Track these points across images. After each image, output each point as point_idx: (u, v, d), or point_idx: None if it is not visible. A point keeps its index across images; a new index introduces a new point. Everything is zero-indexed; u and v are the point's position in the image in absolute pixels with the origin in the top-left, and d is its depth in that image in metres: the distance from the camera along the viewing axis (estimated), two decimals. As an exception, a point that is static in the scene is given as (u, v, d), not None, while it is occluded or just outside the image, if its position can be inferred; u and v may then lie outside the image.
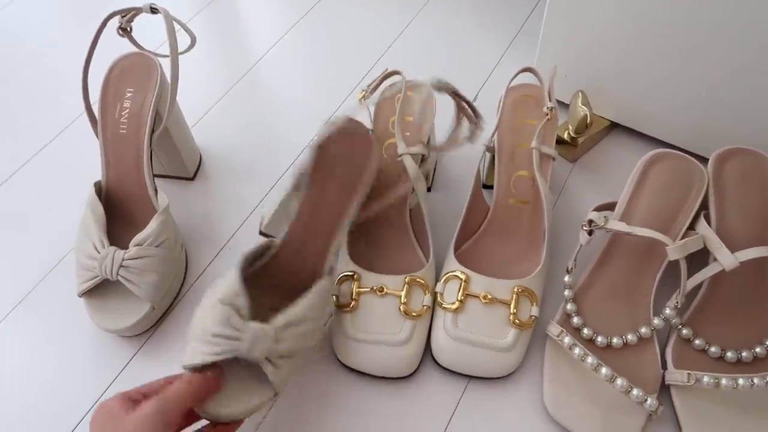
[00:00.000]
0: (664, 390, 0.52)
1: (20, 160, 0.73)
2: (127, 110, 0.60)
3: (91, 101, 0.61)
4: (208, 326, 0.44)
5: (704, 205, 0.56)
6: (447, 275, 0.55)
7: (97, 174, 0.60)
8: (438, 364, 0.54)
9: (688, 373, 0.50)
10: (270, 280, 0.53)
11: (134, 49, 0.63)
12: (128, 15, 0.61)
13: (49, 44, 0.87)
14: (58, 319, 0.59)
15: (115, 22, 0.61)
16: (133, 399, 0.41)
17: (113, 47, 0.61)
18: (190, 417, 0.44)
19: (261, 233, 0.54)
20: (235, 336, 0.43)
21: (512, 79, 0.62)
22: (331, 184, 0.55)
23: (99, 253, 0.54)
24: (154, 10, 0.60)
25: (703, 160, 0.59)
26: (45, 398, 0.54)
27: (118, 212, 0.60)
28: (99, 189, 0.60)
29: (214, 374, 0.43)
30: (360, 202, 0.55)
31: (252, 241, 0.53)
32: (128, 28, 0.62)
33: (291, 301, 0.47)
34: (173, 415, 0.40)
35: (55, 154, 0.73)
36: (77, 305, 0.57)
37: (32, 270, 0.62)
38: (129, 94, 0.61)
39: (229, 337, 0.43)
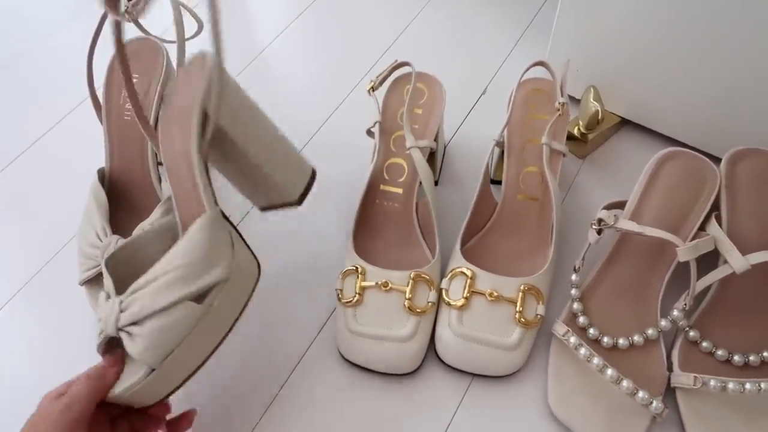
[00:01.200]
0: (669, 392, 0.51)
1: (24, 144, 0.72)
2: (132, 96, 0.59)
3: (96, 86, 0.60)
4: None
5: (716, 206, 0.55)
6: (453, 272, 0.54)
7: (100, 160, 0.60)
8: (442, 361, 0.53)
9: (695, 376, 0.49)
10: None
11: (140, 33, 0.62)
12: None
13: (53, 27, 0.86)
14: (59, 307, 0.58)
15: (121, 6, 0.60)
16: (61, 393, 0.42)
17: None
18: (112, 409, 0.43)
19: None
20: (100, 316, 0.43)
21: (524, 73, 0.61)
22: (174, 132, 0.47)
23: (101, 241, 0.54)
24: (161, -5, 0.59)
25: (716, 159, 0.58)
26: (44, 385, 0.54)
27: (122, 200, 0.59)
28: (102, 176, 0.59)
29: (111, 360, 0.42)
30: (206, 132, 0.45)
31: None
32: (134, 13, 0.61)
33: None
34: (78, 412, 0.39)
35: (58, 139, 0.73)
36: (78, 293, 0.56)
37: (34, 257, 0.62)
38: (135, 80, 0.60)
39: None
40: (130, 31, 0.61)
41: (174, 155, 0.46)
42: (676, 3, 0.56)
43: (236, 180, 0.52)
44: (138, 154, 0.59)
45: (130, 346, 0.40)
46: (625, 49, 0.63)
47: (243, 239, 0.47)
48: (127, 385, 0.40)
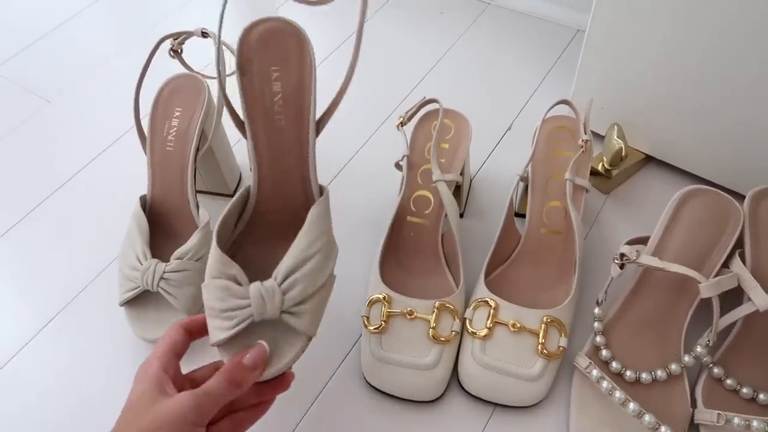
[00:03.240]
0: (693, 429, 0.51)
1: (71, 171, 0.76)
2: (175, 128, 0.63)
3: (141, 117, 0.64)
4: (213, 305, 0.43)
5: (739, 244, 0.56)
6: (476, 302, 0.56)
7: (143, 188, 0.63)
8: (464, 391, 0.54)
9: (718, 413, 0.49)
10: (265, 232, 0.51)
11: (184, 69, 0.66)
12: (180, 38, 0.64)
13: (101, 58, 0.91)
14: (100, 327, 0.61)
15: (167, 43, 0.64)
16: (176, 352, 0.43)
17: (164, 67, 0.64)
18: (231, 406, 0.44)
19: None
20: (241, 305, 0.42)
21: (548, 111, 0.63)
22: (283, 121, 0.49)
23: (141, 264, 0.56)
24: (204, 35, 0.63)
25: (740, 197, 0.58)
26: (84, 403, 0.57)
27: (161, 226, 0.62)
28: (144, 203, 0.62)
29: (253, 362, 0.42)
30: (314, 110, 0.49)
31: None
32: (179, 50, 0.65)
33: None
34: (207, 412, 0.40)
35: (104, 167, 0.77)
36: (119, 313, 0.59)
37: (77, 277, 0.65)
38: (177, 113, 0.64)
39: (236, 308, 0.42)
40: (173, 68, 0.65)
41: (282, 140, 0.49)
42: (698, 45, 0.58)
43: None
44: (178, 183, 0.62)
45: (297, 323, 0.43)
46: (649, 88, 0.65)
47: None
48: (288, 359, 0.43)
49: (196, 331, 0.46)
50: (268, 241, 0.50)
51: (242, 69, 0.49)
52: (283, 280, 0.43)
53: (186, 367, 0.45)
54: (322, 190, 0.50)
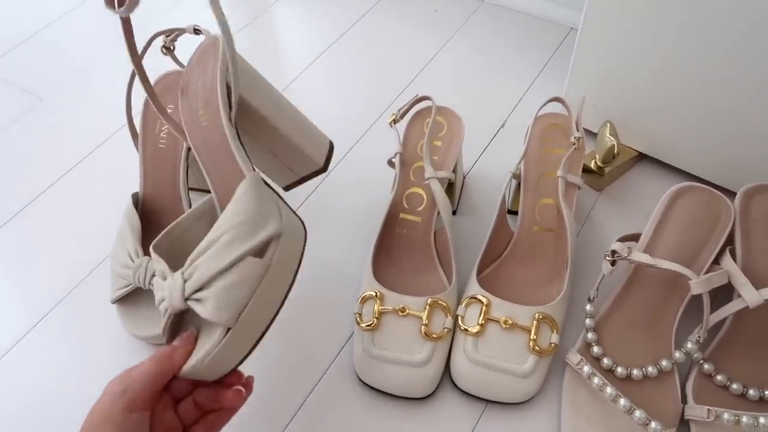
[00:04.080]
0: (683, 425, 0.51)
1: (63, 169, 0.76)
2: (167, 126, 0.63)
3: (134, 115, 0.64)
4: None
5: (730, 240, 0.56)
6: (468, 299, 0.56)
7: (135, 185, 0.63)
8: (456, 387, 0.54)
9: (708, 409, 0.49)
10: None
11: (176, 67, 0.66)
12: (172, 35, 0.64)
13: (94, 59, 0.91)
14: (92, 324, 0.61)
15: (159, 41, 0.63)
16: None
17: (156, 64, 0.64)
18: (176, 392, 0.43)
19: None
20: (159, 299, 0.43)
21: (540, 108, 0.63)
22: (200, 113, 0.50)
23: (133, 262, 0.56)
24: (197, 31, 0.63)
25: (731, 194, 0.59)
26: (76, 401, 0.56)
27: (153, 223, 0.62)
28: (136, 200, 0.62)
29: (182, 341, 0.42)
30: (233, 106, 0.49)
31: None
32: (171, 47, 0.65)
33: None
34: (139, 397, 0.39)
35: (96, 164, 0.77)
36: (111, 311, 0.59)
37: (69, 275, 0.65)
38: (169, 110, 0.63)
39: (160, 300, 0.42)
40: (166, 65, 0.65)
41: (204, 135, 0.48)
42: (691, 42, 0.58)
43: (264, 157, 0.55)
44: (170, 180, 0.62)
45: (202, 310, 0.40)
46: (642, 85, 0.65)
47: (285, 202, 0.47)
48: (203, 352, 0.40)
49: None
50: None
51: (183, 91, 0.52)
52: (188, 266, 0.41)
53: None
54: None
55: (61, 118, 0.83)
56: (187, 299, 0.41)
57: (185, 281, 0.41)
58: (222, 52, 0.50)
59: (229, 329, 0.40)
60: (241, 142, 0.49)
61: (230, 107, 0.50)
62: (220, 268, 0.40)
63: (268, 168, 0.58)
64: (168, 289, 0.41)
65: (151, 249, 0.45)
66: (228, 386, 0.44)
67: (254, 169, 0.46)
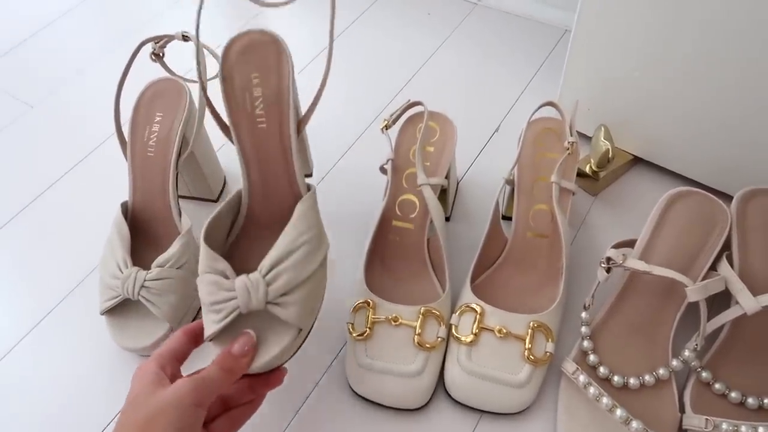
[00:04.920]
0: (681, 434, 0.51)
1: (52, 178, 0.75)
2: (156, 134, 0.62)
3: (122, 123, 0.63)
4: (204, 299, 0.46)
5: (727, 246, 0.55)
6: (462, 307, 0.55)
7: (124, 194, 0.62)
8: (450, 398, 0.53)
9: (706, 419, 0.49)
10: (259, 233, 0.53)
11: (165, 73, 0.65)
12: (161, 42, 0.63)
13: (83, 66, 0.90)
14: (81, 336, 0.60)
15: (148, 47, 0.63)
16: (174, 354, 0.45)
17: (145, 71, 0.63)
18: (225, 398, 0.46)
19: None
20: (227, 297, 0.44)
21: (534, 113, 0.62)
22: (272, 122, 0.52)
23: (122, 272, 0.55)
24: (185, 38, 0.62)
25: (728, 198, 0.58)
26: (64, 412, 0.56)
27: (143, 232, 0.61)
28: (125, 209, 0.61)
29: (241, 349, 0.44)
30: (297, 112, 0.53)
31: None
32: (160, 54, 0.64)
33: None
34: (206, 396, 0.41)
35: (86, 173, 0.76)
36: (100, 322, 0.58)
37: (58, 285, 0.64)
38: (158, 118, 0.63)
39: (224, 300, 0.44)
40: (155, 71, 0.64)
41: (259, 135, 0.52)
42: (686, 45, 0.57)
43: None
44: (160, 189, 0.61)
45: (284, 313, 0.44)
46: (636, 89, 0.64)
47: None
48: (277, 350, 0.45)
49: (199, 336, 0.47)
50: (263, 241, 0.50)
51: (224, 76, 0.52)
52: (267, 271, 0.45)
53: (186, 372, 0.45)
54: (309, 187, 0.52)
55: (50, 127, 0.82)
56: (268, 303, 0.44)
57: (268, 285, 0.44)
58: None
59: (300, 330, 0.46)
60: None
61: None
62: (303, 278, 0.46)
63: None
64: (248, 291, 0.44)
65: (203, 241, 0.47)
66: (270, 379, 0.47)
67: (308, 187, 0.52)
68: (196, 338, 0.47)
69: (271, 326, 0.46)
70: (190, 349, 0.47)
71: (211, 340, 0.46)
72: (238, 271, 0.46)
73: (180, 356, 0.46)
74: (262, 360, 0.45)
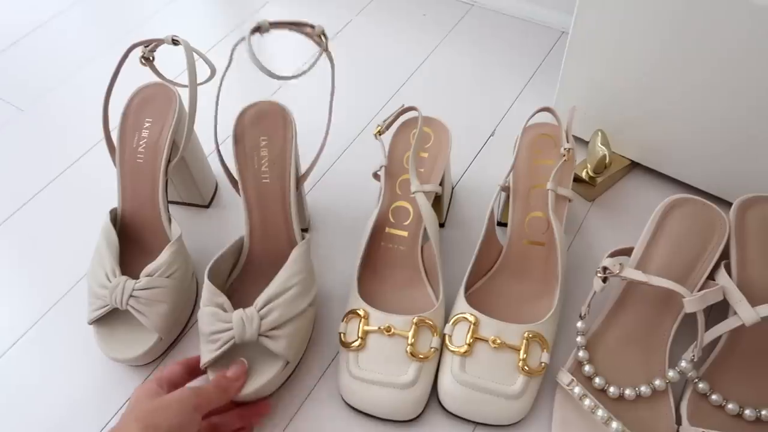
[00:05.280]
0: (678, 447, 0.50)
1: (40, 184, 0.74)
2: (145, 140, 0.61)
3: (111, 128, 0.62)
4: (203, 330, 0.51)
5: (725, 255, 0.54)
6: (456, 317, 0.54)
7: (113, 201, 0.61)
8: (444, 409, 0.53)
9: (703, 431, 0.48)
10: (257, 273, 0.58)
11: (155, 78, 0.64)
12: (151, 45, 0.62)
13: (73, 69, 0.89)
14: (69, 345, 0.59)
15: (138, 51, 0.62)
16: (169, 380, 0.48)
17: (136, 75, 0.62)
18: (214, 412, 0.49)
19: None
20: (225, 328, 0.50)
21: (530, 119, 0.61)
22: (273, 171, 0.60)
23: (110, 282, 0.54)
24: (175, 42, 0.61)
25: (724, 204, 0.57)
26: (51, 424, 0.55)
27: (133, 240, 0.60)
28: (114, 216, 0.60)
29: (235, 374, 0.50)
30: (297, 171, 0.60)
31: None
32: (150, 58, 0.63)
33: None
34: (204, 404, 0.46)
35: (73, 179, 0.75)
36: (88, 332, 0.57)
37: (46, 294, 0.63)
38: (147, 124, 0.62)
39: (220, 331, 0.50)
40: (144, 76, 0.63)
41: (262, 190, 0.59)
42: (684, 48, 0.56)
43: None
44: (149, 197, 0.60)
45: (273, 345, 0.50)
46: (633, 93, 0.63)
47: None
48: (266, 379, 0.51)
49: (194, 369, 0.51)
50: (260, 280, 0.55)
51: (236, 139, 0.60)
52: (262, 307, 0.51)
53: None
54: (304, 235, 0.58)
55: (39, 131, 0.81)
56: (260, 335, 0.50)
57: (261, 319, 0.50)
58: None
59: (287, 362, 0.52)
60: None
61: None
62: (294, 314, 0.52)
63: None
64: (242, 323, 0.50)
65: (207, 278, 0.53)
66: (258, 407, 0.52)
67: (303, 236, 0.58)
68: (191, 371, 0.51)
69: (261, 358, 0.52)
70: (185, 380, 0.51)
71: (206, 369, 0.51)
72: (237, 307, 0.51)
73: (176, 385, 0.49)
74: (251, 388, 0.50)
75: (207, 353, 0.50)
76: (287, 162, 0.60)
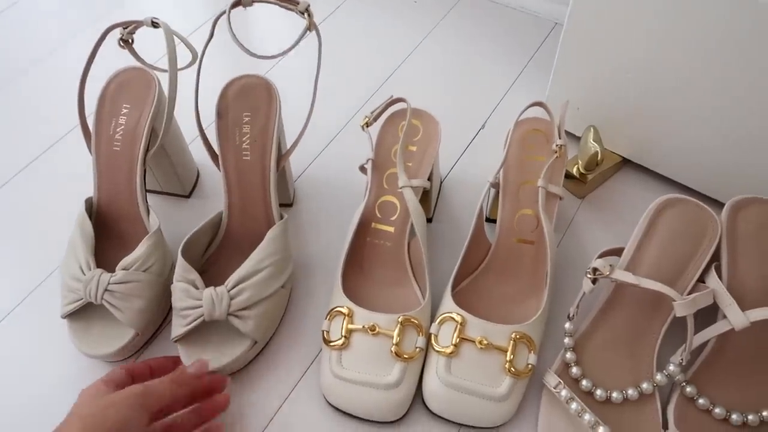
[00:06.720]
0: (664, 451, 0.49)
1: (11, 171, 0.71)
2: (123, 127, 0.59)
3: (87, 114, 0.59)
4: (175, 305, 0.52)
5: (716, 257, 0.53)
6: (443, 316, 0.53)
7: (89, 190, 0.59)
8: (428, 410, 0.52)
9: (690, 436, 0.47)
10: (239, 249, 0.57)
11: (134, 61, 0.61)
12: (129, 27, 0.60)
13: (48, 51, 0.85)
14: (41, 340, 0.57)
15: (116, 33, 0.59)
16: (117, 383, 0.46)
17: (114, 58, 0.60)
18: (170, 408, 0.48)
19: None
20: (195, 305, 0.50)
21: (521, 113, 0.60)
22: (254, 149, 0.59)
23: (84, 275, 0.52)
24: (155, 24, 0.58)
25: (716, 203, 0.56)
26: (22, 420, 0.53)
27: (109, 231, 0.58)
28: (90, 206, 0.58)
29: (196, 370, 0.49)
30: (279, 150, 0.59)
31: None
32: (129, 40, 0.60)
33: None
34: (154, 401, 0.44)
35: (46, 167, 0.72)
36: (61, 326, 0.55)
37: (18, 286, 0.61)
38: (125, 110, 0.59)
39: (191, 308, 0.50)
40: (123, 59, 0.60)
41: (242, 167, 0.58)
42: (680, 44, 0.55)
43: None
44: (126, 186, 0.58)
45: (242, 325, 0.51)
46: (627, 89, 0.62)
47: None
48: (233, 357, 0.51)
49: (138, 379, 0.49)
50: (236, 258, 0.54)
51: (220, 114, 0.58)
52: (233, 287, 0.51)
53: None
54: (283, 215, 0.58)
55: (10, 117, 0.77)
56: (229, 314, 0.50)
57: (232, 298, 0.50)
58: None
59: (255, 342, 0.52)
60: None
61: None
62: (264, 295, 0.52)
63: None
64: (212, 302, 0.50)
65: (180, 253, 0.53)
66: (213, 390, 0.50)
67: (282, 216, 0.58)
68: (135, 379, 0.49)
69: (230, 335, 0.52)
70: (130, 382, 0.48)
71: (176, 341, 0.52)
72: (211, 282, 0.51)
73: (121, 385, 0.47)
74: (218, 364, 0.51)
75: (177, 328, 0.52)
76: (269, 140, 0.58)
